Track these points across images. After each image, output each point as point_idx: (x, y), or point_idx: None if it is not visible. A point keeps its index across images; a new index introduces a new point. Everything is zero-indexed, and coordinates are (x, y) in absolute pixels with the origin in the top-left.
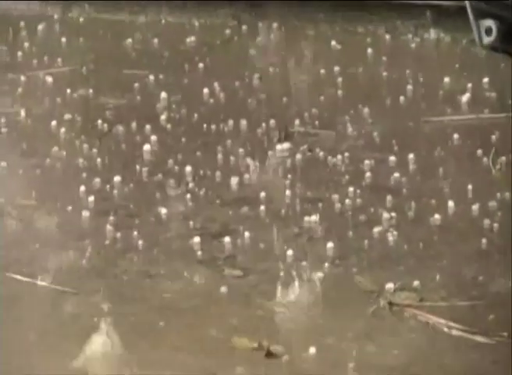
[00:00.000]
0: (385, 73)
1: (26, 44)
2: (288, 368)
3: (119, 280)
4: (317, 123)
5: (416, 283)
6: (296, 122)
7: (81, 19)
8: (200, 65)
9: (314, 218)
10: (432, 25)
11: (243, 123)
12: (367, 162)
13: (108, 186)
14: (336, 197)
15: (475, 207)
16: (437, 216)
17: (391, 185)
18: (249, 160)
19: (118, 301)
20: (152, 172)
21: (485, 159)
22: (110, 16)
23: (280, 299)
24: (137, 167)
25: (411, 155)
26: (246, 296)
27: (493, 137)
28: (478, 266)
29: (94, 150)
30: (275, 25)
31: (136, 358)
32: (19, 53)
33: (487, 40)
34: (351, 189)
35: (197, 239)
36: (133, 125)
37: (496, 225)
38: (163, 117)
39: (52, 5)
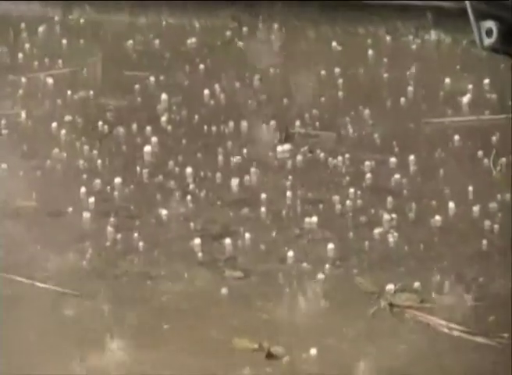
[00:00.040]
0: (385, 75)
1: (27, 46)
2: (289, 369)
3: (119, 282)
4: (317, 124)
5: (416, 284)
6: (297, 123)
7: (82, 21)
8: (201, 66)
9: (315, 219)
10: (432, 26)
11: (244, 124)
12: (367, 163)
13: (108, 187)
14: (336, 198)
15: (476, 208)
16: (438, 218)
17: (392, 186)
18: (249, 161)
19: (118, 302)
20: (153, 173)
21: (485, 161)
22: (111, 18)
23: (281, 300)
24: (138, 168)
25: (412, 157)
26: (246, 297)
27: (494, 138)
28: (478, 267)
29: (95, 151)
30: (275, 26)
31: (136, 359)
32: (20, 55)
33: (487, 41)
34: (352, 190)
35: (197, 240)
36: (134, 126)
37: (496, 226)
38: (164, 118)
39: (53, 6)
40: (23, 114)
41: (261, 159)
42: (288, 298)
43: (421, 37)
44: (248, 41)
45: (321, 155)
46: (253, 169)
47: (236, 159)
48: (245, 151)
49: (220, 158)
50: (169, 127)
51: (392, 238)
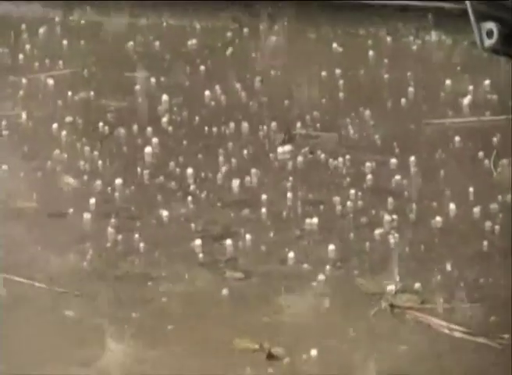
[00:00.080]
0: (386, 76)
1: (28, 47)
2: (289, 370)
3: (120, 283)
4: (318, 125)
5: (417, 285)
6: (298, 124)
7: (82, 22)
8: (202, 67)
9: (316, 220)
10: (433, 27)
11: (245, 125)
12: (368, 164)
13: (109, 188)
14: (337, 199)
15: (476, 209)
16: (438, 219)
17: (392, 187)
18: (250, 163)
19: (119, 303)
20: (153, 174)
21: (486, 162)
22: (111, 19)
23: (281, 301)
24: (139, 169)
25: (412, 158)
26: (247, 298)
27: (494, 139)
28: (479, 268)
29: (96, 152)
30: (276, 27)
31: (137, 359)
32: (21, 56)
33: (488, 42)
34: (352, 191)
35: (198, 241)
36: (135, 127)
37: (497, 227)
38: (164, 120)
39: (53, 7)
40: (24, 115)
41: (261, 160)
42: (289, 299)
43: (422, 38)
44: (249, 43)
45: (322, 156)
46: (254, 170)
47: (236, 160)
48: (246, 152)
49: (221, 159)
50: (170, 128)
51: (392, 239)
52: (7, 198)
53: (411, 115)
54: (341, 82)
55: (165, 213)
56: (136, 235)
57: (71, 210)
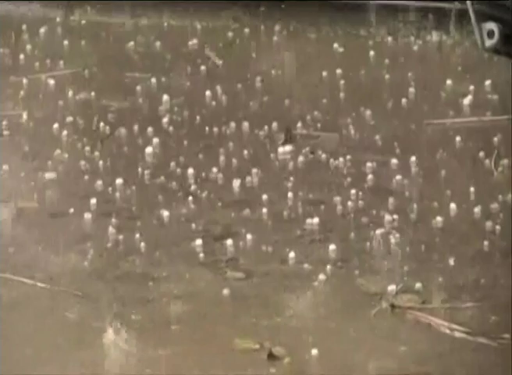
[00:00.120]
0: (387, 76)
1: (29, 47)
2: (290, 370)
3: (121, 283)
4: (319, 125)
5: (418, 285)
6: (299, 124)
7: (83, 22)
8: (203, 67)
9: (316, 220)
10: (433, 28)
11: (245, 125)
12: (369, 164)
13: (110, 188)
14: (337, 199)
15: (477, 209)
16: (439, 219)
17: (393, 187)
18: (251, 163)
19: (120, 303)
20: (154, 174)
21: (486, 162)
22: (112, 19)
23: (282, 301)
24: (139, 170)
25: (413, 158)
26: (248, 298)
27: (495, 139)
28: (479, 268)
29: (96, 153)
30: (277, 28)
31: (137, 359)
32: (21, 56)
33: (489, 42)
34: (353, 191)
35: (199, 241)
36: (135, 128)
37: (497, 227)
38: (165, 120)
39: (54, 7)
40: (25, 115)
41: (262, 160)
42: (289, 299)
43: (423, 39)
44: (250, 43)
45: (323, 156)
46: (254, 170)
47: (237, 160)
48: (246, 152)
49: (222, 159)
50: (171, 128)
51: (393, 239)
52: (8, 198)
53: (412, 115)
54: (342, 82)
55: (165, 213)
56: (137, 235)
57: (72, 210)
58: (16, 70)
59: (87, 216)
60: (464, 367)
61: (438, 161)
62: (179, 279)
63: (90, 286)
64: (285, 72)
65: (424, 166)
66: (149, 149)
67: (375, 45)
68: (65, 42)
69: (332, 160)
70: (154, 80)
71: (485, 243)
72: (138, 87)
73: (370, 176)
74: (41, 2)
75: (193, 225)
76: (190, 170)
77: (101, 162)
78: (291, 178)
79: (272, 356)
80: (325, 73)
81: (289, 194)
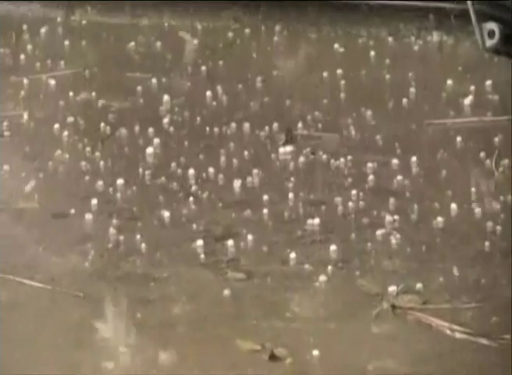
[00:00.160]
0: (387, 76)
1: (29, 47)
2: (291, 370)
3: (121, 283)
4: (320, 125)
5: (419, 286)
6: (299, 125)
7: (84, 22)
8: (203, 68)
9: (317, 221)
10: (434, 28)
11: (246, 125)
12: (370, 164)
13: (110, 189)
14: (338, 200)
15: (478, 210)
16: (440, 219)
17: (394, 188)
18: (252, 163)
19: (121, 304)
20: (155, 175)
21: (487, 162)
22: (113, 19)
23: (283, 302)
24: (140, 170)
25: (414, 158)
26: (249, 299)
27: (496, 139)
28: (481, 268)
29: (97, 153)
30: (277, 28)
31: (138, 359)
32: (22, 56)
33: (490, 43)
34: (354, 192)
35: (199, 242)
36: (136, 128)
37: (498, 228)
38: (166, 120)
39: (55, 7)
40: (25, 115)
41: (263, 161)
42: (291, 299)
43: (424, 39)
44: (250, 43)
45: (324, 156)
46: (255, 171)
47: (238, 161)
48: (247, 152)
49: (222, 159)
50: (171, 129)
51: (394, 240)
52: (8, 198)
53: (413, 115)
54: (342, 82)
55: (166, 214)
56: (138, 236)
57: (73, 211)
58: (17, 70)
59: (88, 216)
60: (464, 368)
61: (438, 161)
62: (179, 279)
63: (91, 286)
64: (285, 72)
65: (425, 166)
66: (150, 149)
67: (375, 45)
68: (66, 42)
69: (332, 161)
70: (154, 80)
71: (486, 243)
72: (139, 88)
73: (371, 177)
74: (42, 2)
75: (194, 225)
76: (191, 171)
77: (101, 163)
78: (292, 179)
79: (273, 357)
80: (325, 74)
81: (290, 195)
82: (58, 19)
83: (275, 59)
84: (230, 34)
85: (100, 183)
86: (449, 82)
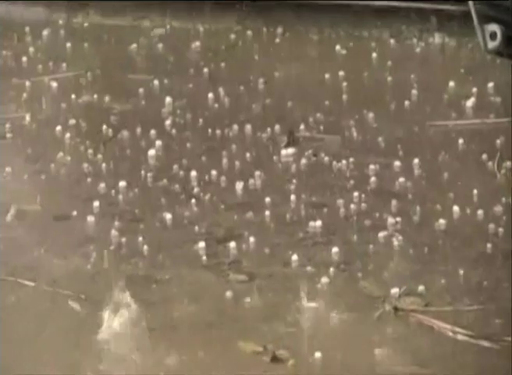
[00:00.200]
0: (389, 78)
1: (31, 50)
2: (294, 372)
3: (123, 286)
4: (322, 127)
5: (421, 288)
6: (301, 127)
7: (86, 25)
8: (205, 70)
9: (319, 223)
10: (436, 29)
11: (248, 127)
12: (372, 166)
13: (113, 191)
14: (340, 202)
15: (480, 212)
16: (442, 221)
17: (396, 190)
18: (254, 165)
19: (122, 306)
20: (157, 177)
21: (489, 164)
22: (115, 21)
23: (285, 304)
24: (142, 172)
25: (416, 160)
26: (251, 301)
27: (498, 141)
28: (483, 270)
29: (99, 155)
30: (279, 30)
31: (140, 361)
32: (24, 58)
33: (492, 44)
34: (356, 194)
35: (202, 244)
36: (138, 130)
37: (500, 230)
38: (168, 122)
39: (57, 10)
40: (28, 118)
41: (265, 163)
42: (292, 301)
43: (425, 41)
44: (252, 45)
45: (326, 158)
46: (257, 173)
47: (240, 163)
48: (249, 154)
49: (224, 161)
50: (174, 131)
51: (396, 242)
52: (11, 200)
53: (415, 117)
54: (344, 84)
55: (168, 216)
56: (140, 238)
57: (74, 213)
58: (19, 73)
59: (90, 218)
60: (466, 370)
61: (441, 163)
62: (181, 281)
63: (93, 288)
64: (287, 74)
65: (427, 168)
66: (152, 152)
67: (377, 47)
68: (68, 45)
69: (334, 163)
70: (156, 82)
71: (488, 245)
72: (141, 90)
73: (373, 179)
74: (44, 4)
75: (196, 227)
76: (193, 173)
77: (103, 165)
78: (294, 181)
79: (275, 359)
80: (327, 75)
81: (292, 197)
82: (60, 22)
83: (277, 61)
84: (232, 36)
85: (102, 185)
86: (451, 84)
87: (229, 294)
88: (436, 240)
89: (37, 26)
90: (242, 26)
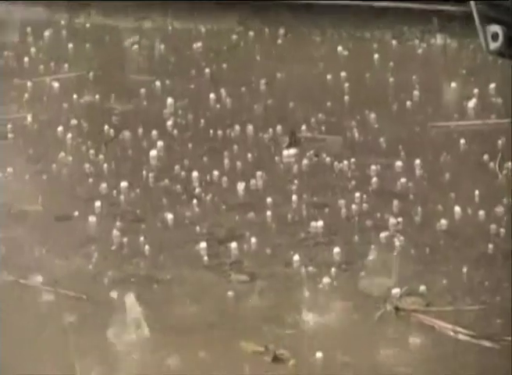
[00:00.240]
0: (391, 79)
1: (33, 50)
2: (295, 372)
3: (125, 286)
4: (323, 128)
5: (422, 288)
6: (303, 127)
7: (87, 25)
8: (207, 70)
9: (321, 223)
10: (438, 30)
11: (250, 128)
12: (373, 167)
13: (114, 191)
14: (342, 202)
15: (482, 212)
16: (443, 221)
17: (397, 190)
18: (255, 166)
19: (124, 306)
20: (159, 177)
21: (491, 164)
22: (116, 22)
23: (286, 304)
24: (144, 173)
25: (418, 161)
26: (252, 301)
27: (499, 142)
28: (484, 270)
29: (101, 156)
30: (281, 31)
31: (141, 361)
32: (26, 59)
33: (493, 45)
34: (357, 194)
35: (203, 244)
36: (140, 130)
37: (502, 230)
38: (169, 123)
39: (59, 10)
40: (29, 118)
41: (267, 163)
42: (294, 301)
43: (427, 42)
44: (254, 46)
45: (327, 159)
46: (259, 173)
47: (241, 163)
48: (251, 155)
49: (226, 162)
50: (175, 131)
51: (398, 242)
52: (12, 200)
53: (416, 118)
54: (346, 85)
55: (170, 216)
56: (142, 238)
57: (76, 213)
58: (21, 73)
59: (92, 218)
60: (467, 369)
61: (442, 164)
62: (183, 282)
63: (95, 288)
64: (289, 75)
65: (429, 168)
66: (153, 152)
67: (379, 48)
68: (70, 45)
69: (336, 163)
70: (158, 82)
71: (490, 246)
72: (142, 90)
73: (374, 179)
74: (46, 5)
75: (198, 228)
76: (195, 173)
77: (105, 165)
78: (295, 181)
79: (276, 359)
80: (329, 76)
81: (294, 197)
82: (62, 22)
83: (278, 62)
84: (234, 37)
85: (103, 185)
86: (453, 85)
87: (230, 294)
88: (438, 240)
89: (38, 27)
90: (244, 26)
